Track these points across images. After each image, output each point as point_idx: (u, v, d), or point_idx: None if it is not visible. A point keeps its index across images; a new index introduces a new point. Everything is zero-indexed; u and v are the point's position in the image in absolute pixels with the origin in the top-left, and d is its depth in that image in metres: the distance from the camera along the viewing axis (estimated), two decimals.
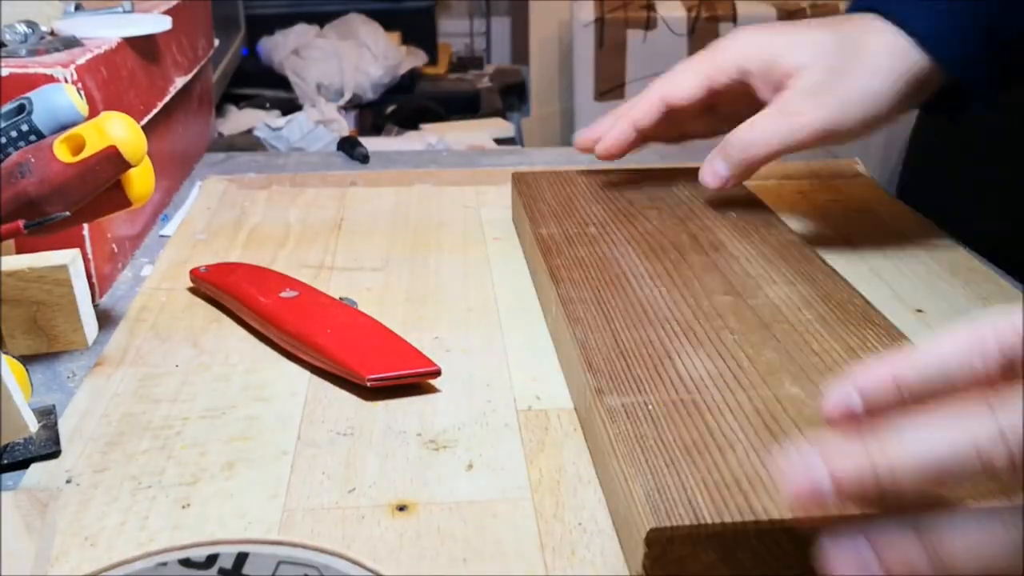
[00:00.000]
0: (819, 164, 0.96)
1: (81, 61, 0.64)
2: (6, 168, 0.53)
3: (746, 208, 0.74)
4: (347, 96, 1.79)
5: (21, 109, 0.55)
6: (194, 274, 0.68)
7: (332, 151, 1.06)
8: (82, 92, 0.61)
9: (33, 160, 0.52)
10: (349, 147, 1.02)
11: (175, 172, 0.91)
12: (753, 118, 0.69)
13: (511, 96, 2.23)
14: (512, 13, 2.55)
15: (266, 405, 0.54)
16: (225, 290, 0.65)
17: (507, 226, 0.80)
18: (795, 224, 0.79)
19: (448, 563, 0.42)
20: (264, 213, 0.83)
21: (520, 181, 0.79)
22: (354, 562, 0.36)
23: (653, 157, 1.02)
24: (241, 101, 1.78)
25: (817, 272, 0.62)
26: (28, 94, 0.55)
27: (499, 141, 1.68)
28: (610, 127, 0.74)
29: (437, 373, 0.55)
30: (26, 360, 0.53)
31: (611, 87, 2.07)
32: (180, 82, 0.87)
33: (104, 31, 0.72)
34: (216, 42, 1.09)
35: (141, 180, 0.56)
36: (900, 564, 0.33)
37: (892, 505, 0.33)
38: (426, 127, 1.73)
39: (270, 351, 0.60)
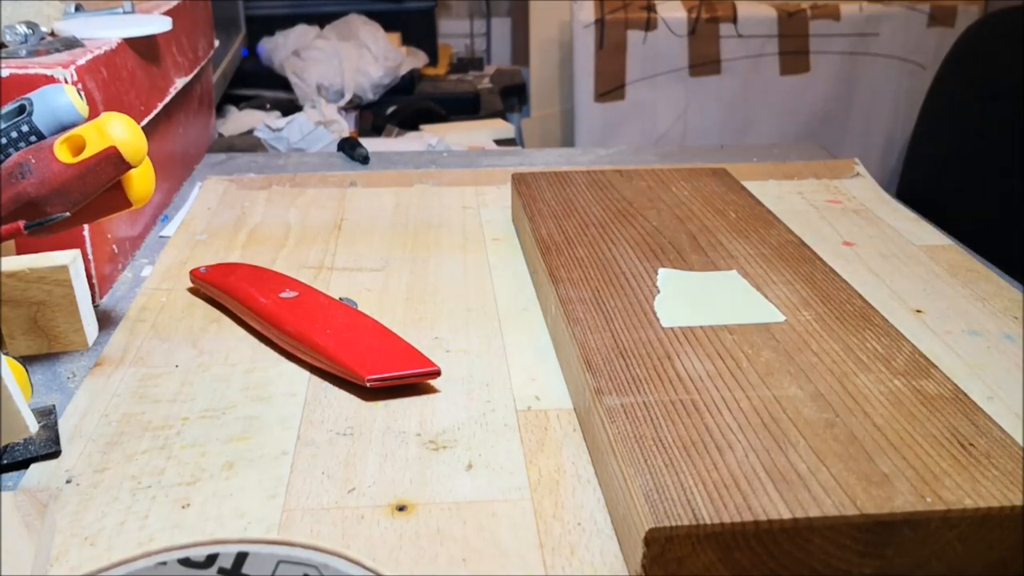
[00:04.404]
0: (819, 164, 0.96)
1: (81, 62, 0.64)
2: (6, 169, 0.53)
3: (746, 208, 0.74)
4: (347, 97, 1.79)
5: (22, 110, 0.55)
6: (194, 274, 0.68)
7: (332, 152, 1.06)
8: (82, 93, 0.62)
9: (33, 161, 0.52)
10: (349, 148, 1.02)
11: (175, 173, 0.91)
12: None
13: (511, 97, 2.22)
14: (512, 14, 2.54)
15: (266, 405, 0.54)
16: (225, 290, 0.65)
17: (507, 226, 0.81)
18: (795, 224, 0.79)
19: (447, 563, 0.42)
20: (264, 213, 0.83)
21: (520, 182, 0.79)
22: (353, 562, 0.36)
23: (653, 158, 1.02)
24: (241, 102, 1.78)
25: (816, 272, 0.62)
26: (29, 95, 0.55)
27: (499, 142, 1.68)
28: None
29: (437, 373, 0.55)
30: (26, 361, 0.53)
31: (611, 88, 2.07)
32: (180, 83, 0.87)
33: (104, 32, 0.72)
34: (216, 43, 1.09)
35: (141, 181, 0.56)
36: None
37: None
38: (426, 128, 1.73)
39: (270, 351, 0.60)
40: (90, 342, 0.54)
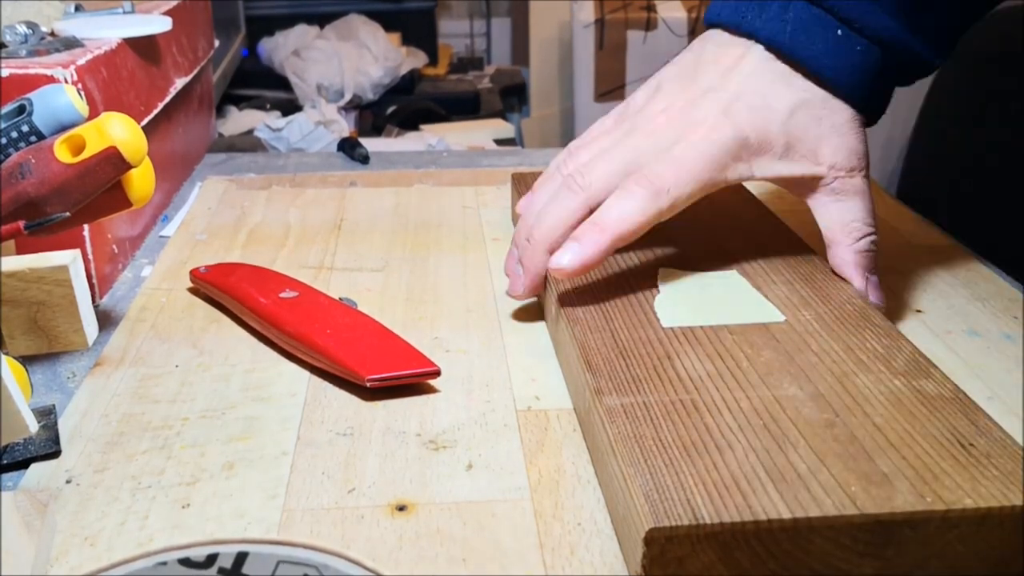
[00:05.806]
0: None
1: (81, 62, 0.64)
2: (6, 169, 0.53)
3: (746, 208, 0.74)
4: (347, 97, 1.79)
5: (21, 110, 0.55)
6: (194, 274, 0.68)
7: (332, 152, 1.06)
8: (82, 93, 0.62)
9: (33, 161, 0.52)
10: (349, 148, 1.02)
11: (175, 173, 0.91)
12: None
13: (511, 97, 2.23)
14: (512, 14, 2.55)
15: (266, 405, 0.54)
16: (225, 290, 0.65)
17: (507, 226, 0.81)
18: (795, 224, 0.79)
19: (447, 563, 0.42)
20: (264, 213, 0.83)
21: (520, 181, 0.79)
22: (354, 562, 0.36)
23: None
24: (241, 102, 1.78)
25: (816, 272, 0.62)
26: (28, 95, 0.55)
27: (499, 142, 1.68)
28: None
29: (436, 373, 0.55)
30: (26, 361, 0.53)
31: (611, 88, 2.07)
32: (180, 83, 0.87)
33: (104, 32, 0.72)
34: (216, 43, 1.09)
35: (141, 181, 0.56)
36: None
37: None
38: (426, 128, 1.73)
39: (270, 351, 0.60)
40: (90, 342, 0.54)
